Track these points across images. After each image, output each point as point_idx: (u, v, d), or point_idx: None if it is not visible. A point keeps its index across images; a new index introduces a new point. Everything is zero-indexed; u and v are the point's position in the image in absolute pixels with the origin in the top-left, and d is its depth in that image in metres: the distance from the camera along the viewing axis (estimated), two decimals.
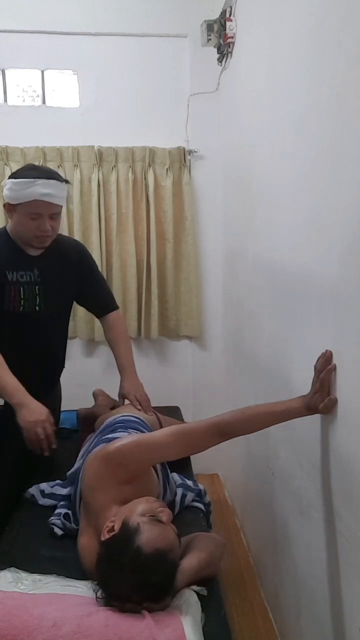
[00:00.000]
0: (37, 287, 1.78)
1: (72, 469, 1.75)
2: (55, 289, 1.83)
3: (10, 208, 1.70)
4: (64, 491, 1.71)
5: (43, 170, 1.71)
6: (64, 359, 2.01)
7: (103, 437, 1.64)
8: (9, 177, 1.69)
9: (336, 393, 1.26)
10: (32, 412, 1.65)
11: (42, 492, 1.73)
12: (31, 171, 1.67)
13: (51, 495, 1.71)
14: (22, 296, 1.75)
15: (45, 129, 2.81)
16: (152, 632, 1.04)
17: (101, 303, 2.05)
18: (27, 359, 1.81)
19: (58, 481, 1.77)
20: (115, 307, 2.08)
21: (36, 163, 2.75)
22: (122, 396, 1.96)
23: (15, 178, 1.66)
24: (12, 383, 1.66)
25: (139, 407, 1.92)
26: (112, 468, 1.37)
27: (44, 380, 1.91)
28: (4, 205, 1.72)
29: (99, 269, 2.79)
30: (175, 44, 2.84)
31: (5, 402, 1.78)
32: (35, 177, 1.63)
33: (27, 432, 1.64)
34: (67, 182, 1.75)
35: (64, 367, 2.02)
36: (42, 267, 1.79)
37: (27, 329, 1.78)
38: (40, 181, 1.63)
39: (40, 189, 1.62)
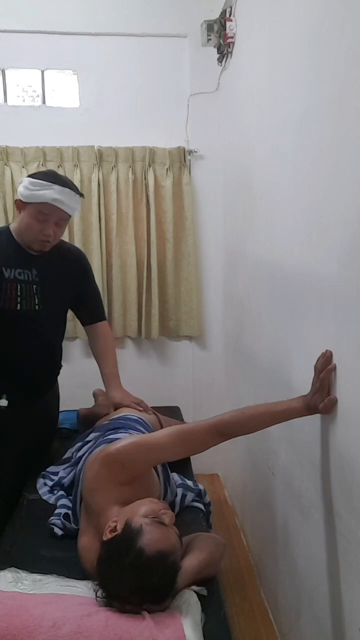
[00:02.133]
0: (34, 286, 1.78)
1: (73, 449, 1.84)
2: (54, 290, 1.83)
3: (20, 205, 1.73)
4: (62, 472, 1.79)
5: (61, 178, 1.76)
6: (61, 359, 2.01)
7: (104, 437, 1.65)
8: (28, 176, 1.74)
9: (336, 393, 1.26)
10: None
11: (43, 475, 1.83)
12: (50, 176, 1.73)
13: (46, 476, 1.83)
14: (18, 294, 1.75)
15: (45, 129, 2.81)
16: (152, 632, 1.04)
17: (93, 311, 2.07)
18: (24, 358, 1.81)
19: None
20: (105, 318, 2.11)
21: (37, 163, 2.76)
22: (115, 406, 1.96)
23: (33, 178, 1.70)
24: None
25: (140, 409, 1.93)
26: (112, 469, 1.37)
27: (41, 380, 1.91)
28: (16, 201, 1.75)
29: (99, 270, 2.83)
30: (175, 44, 2.84)
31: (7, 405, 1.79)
32: (52, 182, 1.68)
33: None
34: (82, 195, 1.80)
35: (61, 366, 2.02)
36: (41, 267, 1.80)
37: (24, 328, 1.78)
38: (55, 187, 1.68)
39: (54, 194, 1.67)
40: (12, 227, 1.81)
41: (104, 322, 2.09)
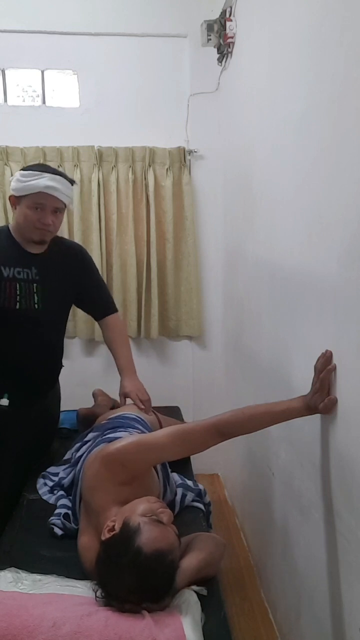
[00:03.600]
0: (35, 285, 1.78)
1: (72, 449, 1.84)
2: (54, 289, 1.83)
3: (15, 200, 1.74)
4: (61, 472, 1.80)
5: (51, 168, 1.78)
6: (62, 359, 2.01)
7: (104, 437, 1.65)
8: (19, 171, 1.75)
9: (336, 393, 1.26)
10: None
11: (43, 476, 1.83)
12: (39, 166, 1.76)
13: (46, 476, 1.83)
14: (17, 293, 1.75)
15: (45, 129, 2.81)
16: (152, 632, 1.04)
17: (100, 306, 2.06)
18: (24, 357, 1.81)
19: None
20: (115, 310, 2.09)
21: (37, 163, 2.76)
22: (124, 395, 1.96)
23: (23, 170, 1.72)
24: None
25: (142, 406, 1.92)
26: (112, 469, 1.37)
27: (42, 380, 1.91)
28: (9, 198, 1.76)
29: (99, 269, 2.81)
30: (175, 44, 2.84)
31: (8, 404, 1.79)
32: (43, 170, 1.71)
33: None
34: (73, 182, 1.80)
35: (62, 366, 2.02)
36: (41, 265, 1.80)
37: (24, 328, 1.78)
38: (47, 175, 1.70)
39: (46, 181, 1.69)
40: (11, 226, 1.81)
41: (115, 315, 2.08)
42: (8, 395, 1.78)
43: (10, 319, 1.75)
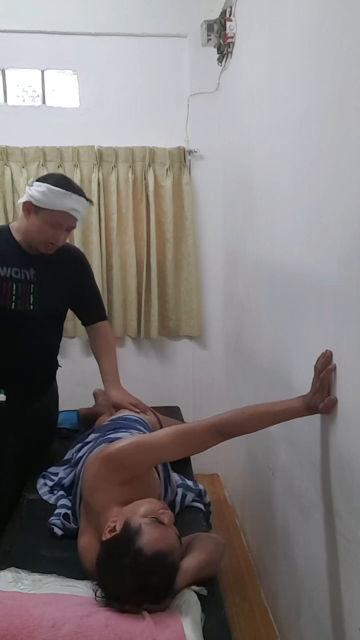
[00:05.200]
0: (32, 286, 1.78)
1: (73, 450, 1.84)
2: (51, 290, 1.83)
3: (31, 208, 1.71)
4: (62, 472, 1.80)
5: (76, 186, 1.77)
6: (56, 358, 2.01)
7: (105, 437, 1.65)
8: (43, 181, 1.70)
9: (336, 393, 1.26)
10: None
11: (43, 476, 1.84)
12: (67, 184, 1.72)
13: (46, 476, 1.84)
14: (14, 293, 1.74)
15: (45, 129, 2.80)
16: (152, 632, 1.04)
17: (93, 311, 2.06)
18: (22, 357, 1.81)
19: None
20: (106, 318, 2.10)
21: (37, 163, 2.76)
22: (116, 406, 1.95)
23: (52, 185, 1.68)
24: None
25: (138, 410, 1.91)
26: (112, 469, 1.37)
27: (40, 379, 1.92)
28: (25, 204, 1.72)
29: (99, 269, 2.83)
30: (175, 44, 2.84)
31: (5, 400, 1.78)
32: (72, 191, 1.70)
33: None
34: (92, 203, 1.83)
35: (58, 365, 2.02)
36: (39, 267, 1.80)
37: (20, 328, 1.78)
38: (75, 196, 1.70)
39: (73, 203, 1.70)
40: (14, 226, 1.80)
41: (105, 322, 2.08)
42: (5, 391, 1.78)
43: (5, 318, 1.75)
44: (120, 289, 2.91)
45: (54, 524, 1.55)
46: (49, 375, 1.98)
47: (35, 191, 1.68)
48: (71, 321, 2.83)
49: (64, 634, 1.02)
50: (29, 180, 1.77)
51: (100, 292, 2.84)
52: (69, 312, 2.03)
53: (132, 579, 1.11)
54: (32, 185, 1.70)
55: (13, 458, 1.85)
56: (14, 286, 1.75)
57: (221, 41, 2.43)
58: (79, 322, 2.86)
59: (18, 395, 1.81)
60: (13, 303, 1.75)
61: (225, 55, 2.51)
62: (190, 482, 1.79)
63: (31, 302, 1.78)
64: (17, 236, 1.78)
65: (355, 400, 1.17)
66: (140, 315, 2.94)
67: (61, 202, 1.68)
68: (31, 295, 1.78)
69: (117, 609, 1.12)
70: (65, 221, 1.72)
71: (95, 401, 2.39)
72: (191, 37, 2.75)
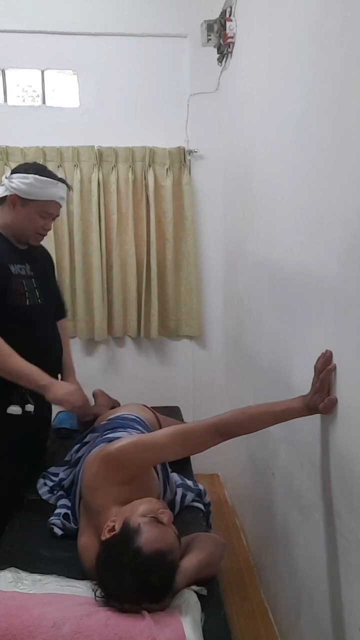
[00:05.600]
0: (33, 280, 1.79)
1: (72, 451, 1.83)
2: (46, 283, 1.86)
3: (17, 201, 1.69)
4: (62, 473, 1.79)
5: (57, 174, 1.79)
6: None
7: (103, 437, 1.65)
8: (24, 172, 1.69)
9: (336, 393, 1.26)
10: (62, 386, 1.70)
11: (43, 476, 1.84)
12: (50, 173, 1.75)
13: (46, 476, 1.83)
14: (25, 289, 1.75)
15: (45, 129, 2.81)
16: (152, 632, 1.04)
17: (60, 306, 2.10)
18: (37, 353, 1.80)
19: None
20: (67, 315, 2.18)
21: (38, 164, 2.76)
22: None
23: (38, 175, 1.68)
24: (34, 369, 1.66)
25: (69, 409, 1.79)
26: (112, 469, 1.37)
27: (55, 374, 1.90)
28: (10, 197, 1.69)
29: (99, 269, 2.84)
30: (175, 44, 2.84)
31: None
32: (57, 179, 1.72)
33: (66, 404, 1.68)
34: (71, 188, 1.88)
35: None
36: (31, 261, 1.82)
37: (35, 324, 1.78)
38: (60, 184, 1.72)
39: (60, 191, 1.72)
40: (1, 224, 1.75)
41: (66, 319, 2.15)
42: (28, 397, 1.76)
43: (22, 316, 1.74)
44: (120, 289, 2.91)
45: (54, 524, 1.55)
46: (60, 368, 1.99)
47: (20, 183, 1.67)
48: (71, 321, 2.84)
49: (64, 634, 1.02)
50: (5, 173, 1.76)
51: (100, 292, 2.87)
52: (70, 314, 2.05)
53: (132, 578, 1.11)
54: (9, 178, 1.69)
55: (13, 458, 1.85)
56: (23, 282, 1.75)
57: (221, 41, 2.43)
58: (79, 322, 2.91)
59: (39, 399, 1.81)
60: (27, 299, 1.75)
61: (225, 55, 2.51)
62: (190, 482, 1.79)
63: (38, 296, 1.79)
64: (5, 233, 1.76)
65: (355, 400, 1.17)
66: (140, 315, 2.94)
67: (51, 192, 1.69)
68: (36, 290, 1.79)
69: (116, 609, 1.12)
70: (54, 210, 1.74)
71: (95, 401, 2.39)
72: (191, 37, 2.75)
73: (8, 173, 1.89)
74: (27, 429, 1.88)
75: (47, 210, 1.72)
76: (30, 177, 1.67)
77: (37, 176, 1.68)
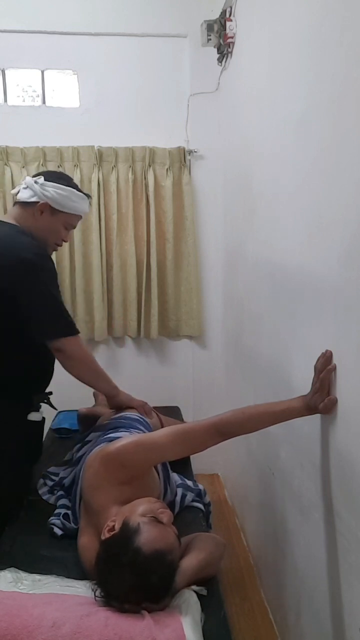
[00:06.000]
0: None
1: (74, 450, 1.84)
2: None
3: (46, 209, 1.66)
4: (62, 473, 1.80)
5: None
6: None
7: (104, 436, 1.65)
8: (57, 181, 1.66)
9: (336, 393, 1.26)
10: (125, 392, 1.93)
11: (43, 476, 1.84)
12: (75, 186, 1.75)
13: (46, 476, 1.84)
14: None
15: (45, 129, 2.81)
16: (151, 632, 1.04)
17: None
18: (52, 361, 1.82)
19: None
20: None
21: (37, 163, 2.76)
22: (120, 407, 1.97)
23: (73, 188, 1.70)
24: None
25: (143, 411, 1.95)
26: (112, 468, 1.37)
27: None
28: (40, 204, 1.65)
29: (99, 269, 2.83)
30: (175, 44, 2.84)
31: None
32: (86, 195, 1.75)
33: (135, 403, 1.94)
34: (91, 200, 1.88)
35: None
36: None
37: None
38: (88, 200, 1.76)
39: (87, 206, 1.76)
40: (29, 228, 1.67)
41: None
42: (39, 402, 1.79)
43: None
44: (120, 289, 2.91)
45: (54, 524, 1.55)
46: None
47: (55, 193, 1.64)
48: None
49: (63, 634, 1.02)
50: (33, 177, 1.70)
51: (100, 292, 2.87)
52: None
53: (131, 578, 1.11)
54: (43, 185, 1.64)
55: (13, 458, 1.84)
56: None
57: (221, 41, 2.43)
58: (79, 322, 2.90)
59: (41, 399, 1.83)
60: None
61: (225, 55, 2.51)
62: (190, 482, 1.79)
63: None
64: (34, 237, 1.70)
65: (355, 400, 1.17)
66: (140, 315, 2.94)
67: (81, 207, 1.72)
68: None
69: (116, 609, 1.12)
70: (77, 223, 1.77)
71: (95, 401, 2.39)
72: (191, 37, 2.75)
73: (24, 175, 1.90)
74: (31, 432, 1.89)
75: (72, 223, 1.73)
76: (68, 190, 1.67)
77: (75, 191, 1.69)
